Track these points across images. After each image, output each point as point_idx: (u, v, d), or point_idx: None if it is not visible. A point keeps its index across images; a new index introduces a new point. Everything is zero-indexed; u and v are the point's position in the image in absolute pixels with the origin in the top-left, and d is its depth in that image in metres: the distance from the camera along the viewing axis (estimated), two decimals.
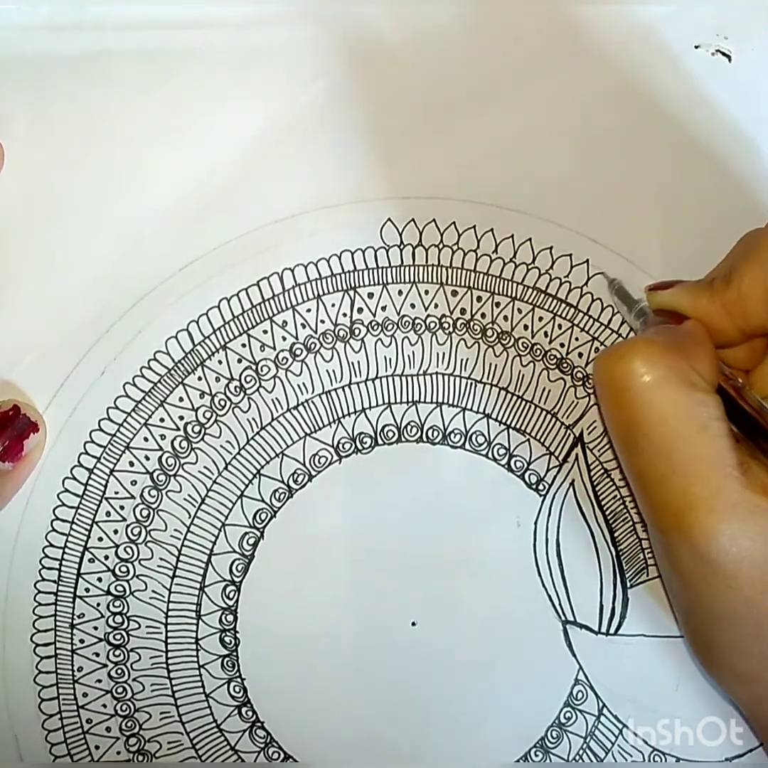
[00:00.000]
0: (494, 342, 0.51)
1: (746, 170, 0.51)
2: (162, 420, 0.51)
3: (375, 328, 0.51)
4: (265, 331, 0.51)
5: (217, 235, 0.51)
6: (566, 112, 0.52)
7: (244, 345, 0.51)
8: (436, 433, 0.51)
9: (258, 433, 0.51)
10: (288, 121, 0.52)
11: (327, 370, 0.51)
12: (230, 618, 0.50)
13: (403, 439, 0.51)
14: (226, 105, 0.52)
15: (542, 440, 0.51)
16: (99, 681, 0.50)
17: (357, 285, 0.51)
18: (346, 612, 0.51)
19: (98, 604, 0.50)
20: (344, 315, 0.51)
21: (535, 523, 0.51)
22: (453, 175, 0.52)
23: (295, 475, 0.51)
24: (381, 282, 0.51)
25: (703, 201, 0.51)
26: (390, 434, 0.51)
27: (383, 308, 0.51)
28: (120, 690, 0.50)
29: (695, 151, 0.52)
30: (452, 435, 0.51)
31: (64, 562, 0.50)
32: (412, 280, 0.51)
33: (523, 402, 0.51)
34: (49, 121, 0.51)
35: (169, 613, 0.50)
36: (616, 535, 0.51)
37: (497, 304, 0.51)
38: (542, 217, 0.51)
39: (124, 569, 0.50)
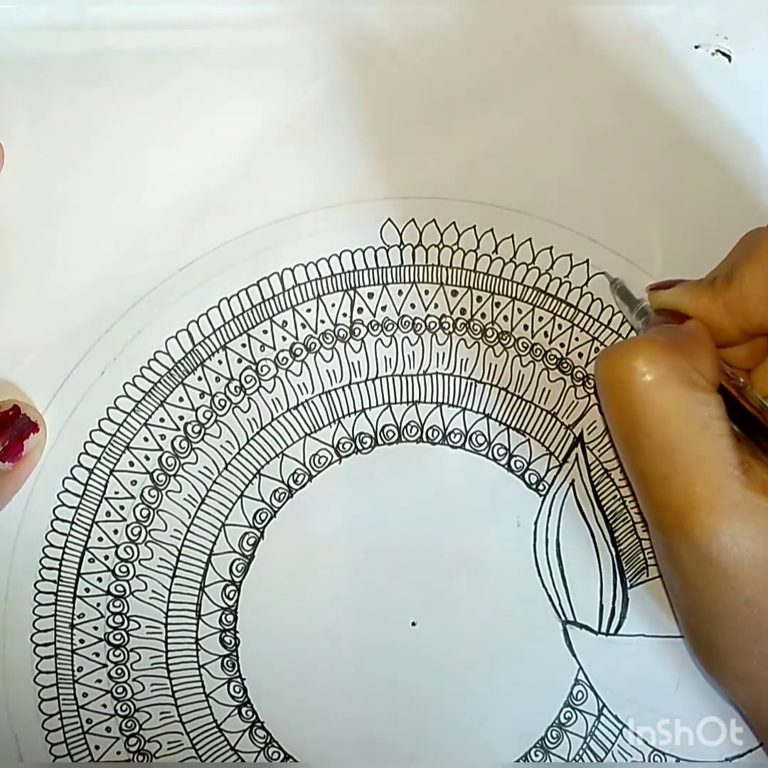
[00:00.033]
0: (494, 342, 0.51)
1: (746, 170, 0.52)
2: (162, 420, 0.51)
3: (375, 328, 0.51)
4: (265, 331, 0.51)
5: (217, 235, 0.51)
6: (566, 112, 0.52)
7: (244, 345, 0.51)
8: (436, 433, 0.51)
9: (258, 433, 0.51)
10: (288, 121, 0.52)
11: (327, 370, 0.51)
12: (230, 618, 0.50)
13: (403, 439, 0.51)
14: (226, 105, 0.52)
15: (542, 440, 0.51)
16: (99, 681, 0.50)
17: (357, 285, 0.51)
18: (346, 612, 0.51)
19: (98, 604, 0.50)
20: (344, 315, 0.51)
21: (535, 523, 0.51)
22: (453, 175, 0.52)
23: (295, 475, 0.51)
24: (381, 282, 0.51)
25: (703, 201, 0.52)
26: (390, 434, 0.51)
27: (383, 308, 0.51)
28: (120, 690, 0.50)
29: (695, 151, 0.52)
30: (452, 435, 0.51)
31: (64, 562, 0.50)
32: (412, 280, 0.51)
33: (523, 402, 0.51)
34: (49, 121, 0.51)
35: (169, 613, 0.50)
36: (616, 535, 0.51)
37: (497, 304, 0.51)
38: (542, 217, 0.51)
39: (124, 569, 0.50)
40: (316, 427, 0.51)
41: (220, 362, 0.51)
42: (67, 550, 0.50)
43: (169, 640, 0.50)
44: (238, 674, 0.50)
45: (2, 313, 0.50)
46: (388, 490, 0.51)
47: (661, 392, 0.41)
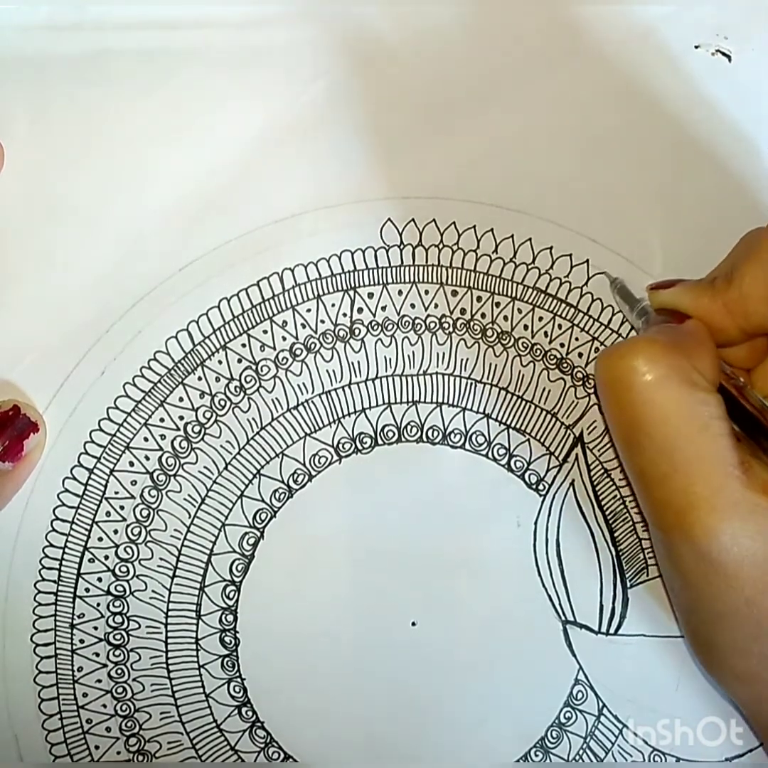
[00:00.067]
0: (494, 342, 0.51)
1: (746, 170, 0.52)
2: (162, 420, 0.51)
3: (375, 328, 0.51)
4: (265, 331, 0.51)
5: (217, 235, 0.51)
6: (566, 112, 0.52)
7: (244, 345, 0.51)
8: (436, 433, 0.51)
9: (258, 433, 0.51)
10: (288, 121, 0.52)
11: (327, 370, 0.51)
12: (230, 618, 0.50)
13: (403, 439, 0.51)
14: (226, 105, 0.52)
15: (542, 440, 0.51)
16: (99, 681, 0.50)
17: (357, 285, 0.51)
18: (346, 612, 0.51)
19: (98, 604, 0.50)
20: (344, 315, 0.51)
21: (535, 523, 0.51)
22: (453, 175, 0.52)
23: (295, 475, 0.51)
24: (381, 282, 0.51)
25: (703, 201, 0.52)
26: (390, 434, 0.51)
27: (383, 308, 0.51)
28: (120, 690, 0.50)
29: (695, 151, 0.52)
30: (452, 435, 0.51)
31: (64, 562, 0.50)
32: (412, 280, 0.51)
33: (523, 402, 0.51)
34: (49, 121, 0.51)
35: (169, 613, 0.50)
36: (616, 535, 0.51)
37: (497, 304, 0.51)
38: (542, 217, 0.51)
39: (124, 569, 0.50)
40: (316, 427, 0.51)
41: (220, 362, 0.51)
42: (67, 550, 0.50)
43: (169, 640, 0.50)
44: (238, 674, 0.50)
45: (2, 313, 0.50)
46: (388, 490, 0.51)
47: (661, 392, 0.41)
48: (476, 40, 0.52)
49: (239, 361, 0.51)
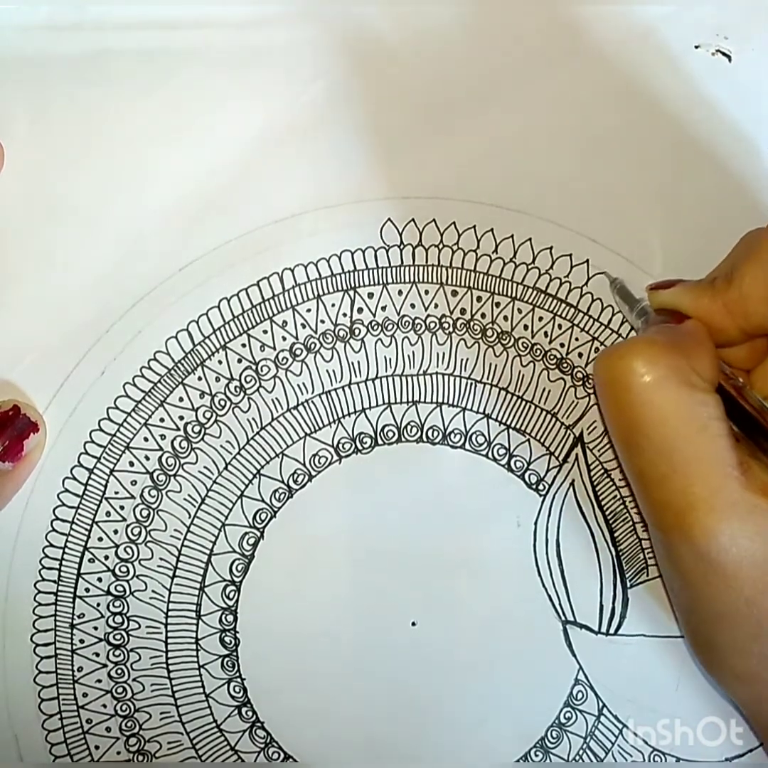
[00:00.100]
0: (494, 342, 0.51)
1: (746, 170, 0.52)
2: (162, 420, 0.51)
3: (375, 328, 0.51)
4: (265, 331, 0.51)
5: (217, 235, 0.51)
6: (566, 112, 0.52)
7: (244, 345, 0.51)
8: (436, 433, 0.51)
9: (258, 433, 0.51)
10: (288, 121, 0.52)
11: (327, 370, 0.51)
12: (230, 618, 0.50)
13: (403, 439, 0.51)
14: (226, 105, 0.52)
15: (542, 440, 0.51)
16: (99, 681, 0.50)
17: (357, 285, 0.51)
18: (346, 612, 0.51)
19: (98, 604, 0.50)
20: (344, 315, 0.51)
21: (535, 523, 0.51)
22: (453, 175, 0.52)
23: (295, 475, 0.51)
24: (381, 282, 0.51)
25: (703, 201, 0.52)
26: (390, 434, 0.51)
27: (383, 308, 0.51)
28: (120, 690, 0.50)
29: (695, 151, 0.52)
30: (452, 435, 0.51)
31: (64, 562, 0.50)
32: (412, 280, 0.51)
33: (523, 402, 0.51)
34: (49, 121, 0.51)
35: (169, 613, 0.50)
36: (616, 535, 0.51)
37: (497, 304, 0.51)
38: (542, 217, 0.51)
39: (124, 569, 0.50)
40: (316, 427, 0.51)
41: (220, 362, 0.51)
42: (67, 550, 0.50)
43: (169, 640, 0.50)
44: (238, 674, 0.50)
45: (2, 313, 0.50)
46: (388, 490, 0.51)
47: (660, 393, 0.41)
48: (476, 40, 0.52)
49: (239, 361, 0.51)
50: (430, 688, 0.50)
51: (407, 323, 0.51)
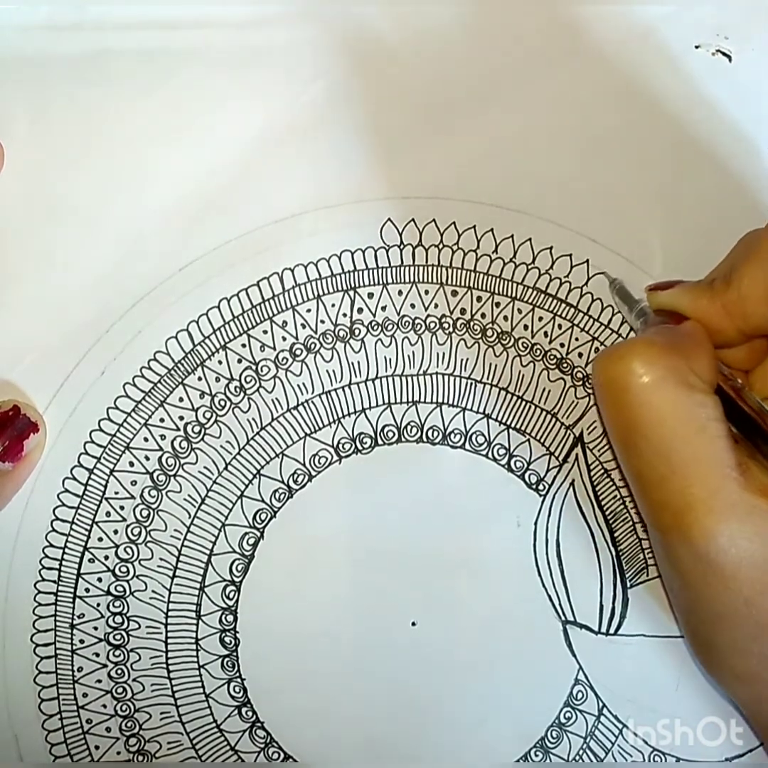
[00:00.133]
0: (494, 342, 0.51)
1: (746, 170, 0.52)
2: (162, 420, 0.51)
3: (375, 328, 0.51)
4: (265, 331, 0.51)
5: (217, 235, 0.51)
6: (566, 112, 0.52)
7: (244, 345, 0.51)
8: (436, 433, 0.51)
9: (258, 433, 0.51)
10: (288, 121, 0.52)
11: (327, 370, 0.51)
12: (230, 618, 0.50)
13: (403, 439, 0.51)
14: (226, 105, 0.52)
15: (542, 440, 0.51)
16: (99, 681, 0.50)
17: (357, 285, 0.51)
18: (346, 612, 0.51)
19: (98, 605, 0.50)
20: (344, 315, 0.51)
21: (535, 523, 0.51)
22: (453, 175, 0.52)
23: (295, 475, 0.51)
24: (381, 282, 0.51)
25: (703, 201, 0.51)
26: (390, 434, 0.51)
27: (383, 308, 0.51)
28: (120, 690, 0.50)
29: (695, 151, 0.52)
30: (452, 435, 0.51)
31: (64, 562, 0.50)
32: (412, 280, 0.51)
33: (523, 402, 0.51)
34: (49, 121, 0.51)
35: (169, 613, 0.50)
36: (616, 535, 0.51)
37: (497, 304, 0.51)
38: (542, 217, 0.51)
39: (124, 569, 0.50)
40: (316, 428, 0.51)
41: (220, 362, 0.51)
42: (67, 550, 0.50)
43: (169, 641, 0.50)
44: (238, 674, 0.50)
45: (2, 313, 0.50)
46: (388, 490, 0.51)
47: (658, 394, 0.41)
48: (476, 40, 0.52)
49: (239, 361, 0.51)
50: (430, 688, 0.50)
51: (407, 323, 0.51)
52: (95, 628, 0.50)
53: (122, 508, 0.50)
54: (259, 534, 0.51)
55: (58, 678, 0.50)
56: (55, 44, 0.52)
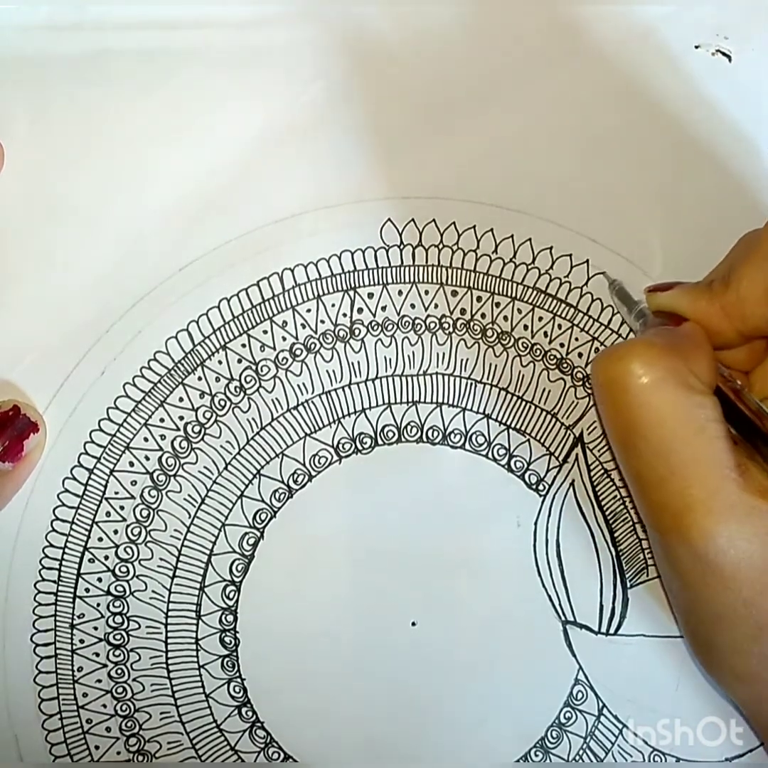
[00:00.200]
0: (494, 342, 0.51)
1: (746, 170, 0.51)
2: (162, 420, 0.51)
3: (375, 328, 0.51)
4: (265, 332, 0.51)
5: (217, 235, 0.51)
6: (566, 112, 0.52)
7: (244, 345, 0.51)
8: (436, 434, 0.51)
9: (258, 433, 0.51)
10: (288, 121, 0.52)
11: (327, 371, 0.51)
12: (230, 618, 0.50)
13: (403, 440, 0.51)
14: (226, 105, 0.52)
15: (542, 440, 0.51)
16: (99, 681, 0.50)
17: (357, 285, 0.51)
18: (346, 612, 0.51)
19: (98, 604, 0.50)
20: (344, 315, 0.51)
21: (535, 523, 0.51)
22: (453, 175, 0.52)
23: (295, 475, 0.51)
24: (381, 282, 0.51)
25: (703, 201, 0.51)
26: (390, 434, 0.51)
27: (383, 308, 0.51)
28: (120, 690, 0.50)
29: (695, 151, 0.52)
30: (452, 435, 0.51)
31: (64, 562, 0.50)
32: (412, 280, 0.51)
33: (523, 402, 0.51)
34: (49, 121, 0.51)
35: (169, 613, 0.50)
36: (616, 535, 0.51)
37: (497, 305, 0.51)
38: (542, 217, 0.51)
39: (124, 569, 0.50)
40: (316, 428, 0.51)
41: (220, 362, 0.51)
42: (67, 550, 0.50)
43: (169, 640, 0.50)
44: (238, 674, 0.50)
45: (2, 313, 0.50)
46: (388, 490, 0.51)
47: (658, 394, 0.41)
48: (476, 40, 0.52)
49: (239, 361, 0.51)
50: (430, 688, 0.50)
51: (407, 323, 0.51)
52: (95, 628, 0.50)
53: (122, 508, 0.50)
54: (259, 534, 0.51)
55: (58, 678, 0.50)
56: (55, 44, 0.52)
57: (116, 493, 0.50)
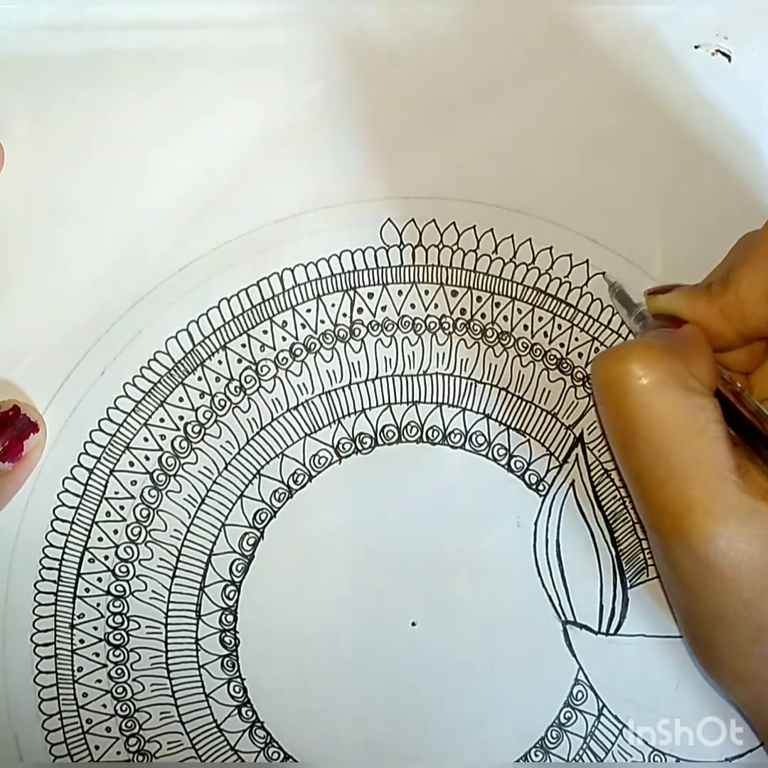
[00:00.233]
0: (494, 342, 0.51)
1: (746, 170, 0.51)
2: (162, 420, 0.51)
3: (375, 328, 0.51)
4: (265, 332, 0.51)
5: (217, 235, 0.51)
6: (566, 112, 0.52)
7: (244, 345, 0.51)
8: (436, 434, 0.51)
9: (258, 433, 0.51)
10: (288, 121, 0.52)
11: (327, 371, 0.51)
12: (230, 618, 0.50)
13: (403, 440, 0.51)
14: (226, 105, 0.52)
15: (542, 440, 0.51)
16: (99, 681, 0.50)
17: (357, 285, 0.51)
18: (346, 612, 0.51)
19: (98, 604, 0.50)
20: (344, 315, 0.51)
21: (535, 524, 0.51)
22: (453, 175, 0.52)
23: (295, 475, 0.51)
24: (381, 282, 0.51)
25: (703, 201, 0.51)
26: (390, 434, 0.51)
27: (383, 308, 0.51)
28: (120, 690, 0.50)
29: (695, 151, 0.52)
30: (452, 435, 0.51)
31: (64, 562, 0.50)
32: (412, 280, 0.51)
33: (523, 402, 0.51)
34: (49, 121, 0.51)
35: (169, 613, 0.50)
36: (616, 535, 0.51)
37: (497, 305, 0.51)
38: (542, 217, 0.51)
39: (124, 569, 0.50)
40: (316, 428, 0.51)
41: (220, 362, 0.51)
42: (67, 550, 0.50)
43: (169, 640, 0.50)
44: (238, 674, 0.50)
45: (2, 313, 0.50)
46: (388, 490, 0.51)
47: (657, 395, 0.41)
48: (476, 40, 0.52)
49: (239, 361, 0.51)
50: (430, 688, 0.50)
51: (407, 323, 0.51)
52: (95, 628, 0.50)
53: (122, 508, 0.50)
54: (259, 534, 0.51)
55: (58, 678, 0.50)
56: (55, 44, 0.52)
57: (116, 493, 0.50)
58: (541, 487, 0.51)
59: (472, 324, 0.51)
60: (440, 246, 0.51)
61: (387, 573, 0.51)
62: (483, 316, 0.51)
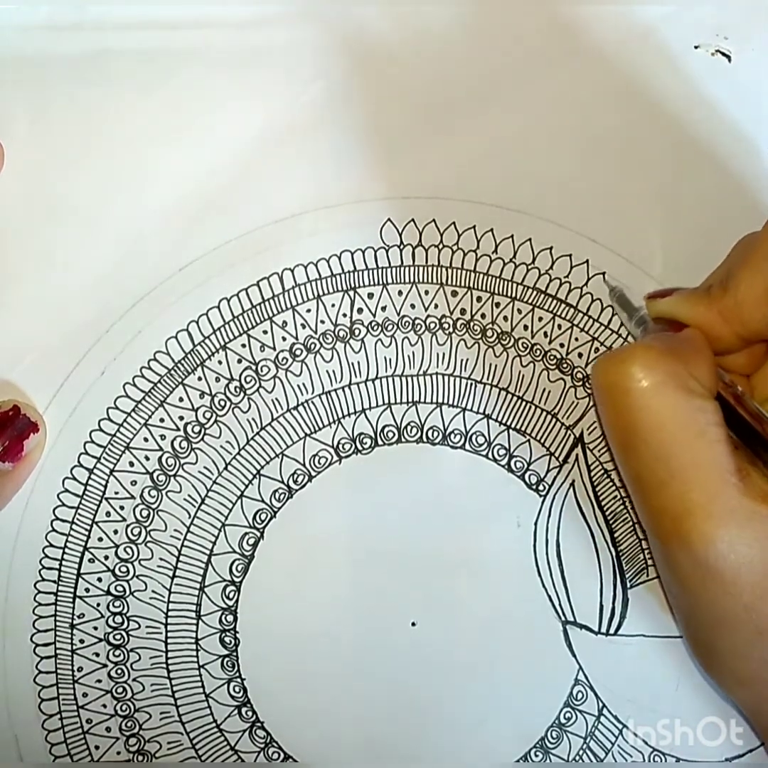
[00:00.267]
0: (494, 342, 0.51)
1: (746, 170, 0.51)
2: (162, 420, 0.51)
3: (375, 328, 0.51)
4: (265, 332, 0.51)
5: (217, 235, 0.51)
6: (566, 112, 0.52)
7: (244, 345, 0.51)
8: (436, 434, 0.51)
9: (258, 433, 0.51)
10: (288, 121, 0.52)
11: (327, 371, 0.51)
12: (230, 618, 0.50)
13: (403, 440, 0.51)
14: (226, 105, 0.52)
15: (542, 441, 0.51)
16: (99, 681, 0.50)
17: (357, 285, 0.51)
18: (346, 612, 0.51)
19: (98, 604, 0.50)
20: (344, 315, 0.51)
21: (535, 524, 0.51)
22: (453, 175, 0.51)
23: (295, 476, 0.51)
24: (381, 282, 0.51)
25: (703, 201, 0.51)
26: (390, 434, 0.51)
27: (383, 308, 0.51)
28: (120, 690, 0.50)
29: (695, 151, 0.52)
30: (452, 435, 0.51)
31: (64, 562, 0.50)
32: (412, 280, 0.51)
33: (523, 402, 0.51)
34: (49, 121, 0.51)
35: (169, 613, 0.50)
36: (616, 535, 0.51)
37: (497, 305, 0.51)
38: (542, 217, 0.51)
39: (124, 569, 0.50)
40: (316, 428, 0.51)
41: (220, 362, 0.51)
42: (67, 550, 0.50)
43: (169, 640, 0.50)
44: (238, 674, 0.50)
45: (2, 313, 0.50)
46: (388, 490, 0.51)
47: (658, 398, 0.41)
48: (476, 40, 0.52)
49: (239, 361, 0.51)
50: (430, 688, 0.50)
51: (407, 323, 0.51)
52: (95, 628, 0.50)
53: (122, 508, 0.50)
54: (259, 534, 0.51)
55: (58, 678, 0.50)
56: (55, 44, 0.52)
57: (116, 493, 0.50)
58: (541, 488, 0.51)
59: (472, 324, 0.51)
60: (440, 246, 0.51)
61: (387, 573, 0.51)
62: (483, 316, 0.51)
